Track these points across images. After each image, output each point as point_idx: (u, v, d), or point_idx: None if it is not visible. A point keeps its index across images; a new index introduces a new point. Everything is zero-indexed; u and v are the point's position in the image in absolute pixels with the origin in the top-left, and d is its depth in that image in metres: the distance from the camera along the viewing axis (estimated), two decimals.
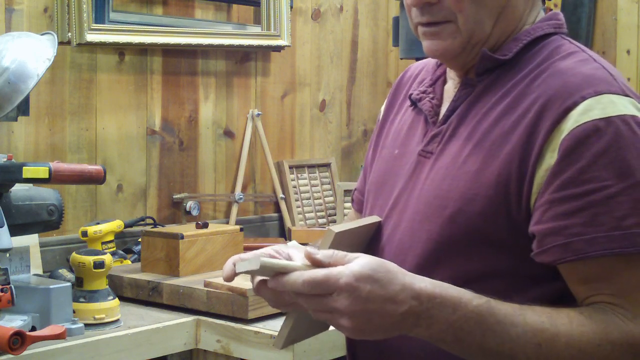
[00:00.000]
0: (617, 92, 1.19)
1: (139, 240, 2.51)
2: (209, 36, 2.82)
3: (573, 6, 3.10)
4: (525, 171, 1.19)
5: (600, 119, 1.15)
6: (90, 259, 1.98)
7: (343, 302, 1.07)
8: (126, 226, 2.57)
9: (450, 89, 1.38)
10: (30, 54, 2.02)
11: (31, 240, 2.10)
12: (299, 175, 3.20)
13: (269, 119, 3.11)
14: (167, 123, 2.80)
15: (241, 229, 2.51)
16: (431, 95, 1.38)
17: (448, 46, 1.30)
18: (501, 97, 1.27)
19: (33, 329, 1.85)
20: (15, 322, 1.79)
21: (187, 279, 2.26)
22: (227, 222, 2.89)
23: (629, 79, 2.98)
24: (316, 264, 1.10)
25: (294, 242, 2.92)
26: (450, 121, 1.32)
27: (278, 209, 3.11)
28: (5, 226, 1.80)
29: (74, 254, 2.02)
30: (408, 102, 1.44)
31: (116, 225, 2.49)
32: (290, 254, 1.22)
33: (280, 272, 1.11)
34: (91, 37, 2.48)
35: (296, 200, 3.15)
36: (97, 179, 1.98)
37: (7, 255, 1.89)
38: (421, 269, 1.18)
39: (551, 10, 1.44)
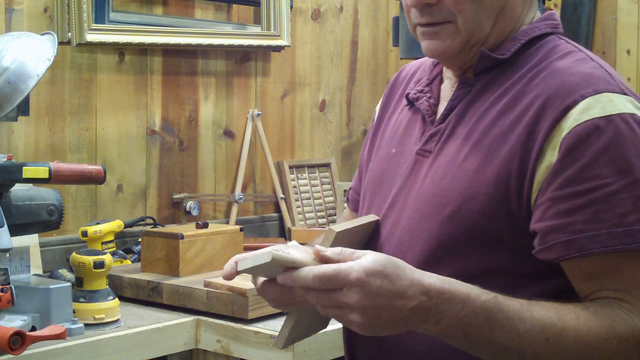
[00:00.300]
0: (615, 90, 1.20)
1: (139, 240, 2.51)
2: (209, 36, 2.82)
3: (573, 6, 3.10)
4: (526, 169, 1.20)
5: (600, 117, 1.17)
6: (90, 259, 1.98)
7: (353, 297, 1.08)
8: (126, 226, 2.57)
9: (447, 88, 1.38)
10: (30, 54, 2.02)
11: (31, 240, 2.10)
12: (299, 175, 3.20)
13: (269, 119, 3.11)
14: (167, 123, 2.80)
15: (241, 229, 2.51)
16: (428, 95, 1.39)
17: (447, 46, 1.30)
18: (499, 96, 1.28)
19: (33, 329, 1.85)
20: (15, 322, 1.79)
21: (187, 279, 2.26)
22: (227, 222, 2.89)
23: (628, 79, 2.98)
24: (325, 260, 1.11)
25: (294, 242, 2.93)
26: (449, 120, 1.32)
27: (278, 209, 3.11)
28: (5, 226, 1.80)
29: (74, 254, 2.02)
30: (404, 102, 1.45)
31: (116, 225, 2.49)
32: (291, 254, 1.23)
33: (290, 268, 1.11)
34: (91, 37, 2.48)
35: (296, 200, 3.15)
36: (97, 179, 1.98)
37: (7, 255, 1.89)
38: (421, 268, 1.18)
39: (551, 10, 1.45)
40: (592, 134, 1.16)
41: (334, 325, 2.07)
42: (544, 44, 1.31)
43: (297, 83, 3.23)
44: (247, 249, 2.57)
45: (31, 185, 1.98)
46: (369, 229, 1.38)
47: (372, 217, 1.39)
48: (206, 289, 2.14)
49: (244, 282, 2.12)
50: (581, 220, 1.15)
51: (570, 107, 1.19)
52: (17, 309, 1.83)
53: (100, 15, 2.57)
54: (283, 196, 3.09)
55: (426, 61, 1.47)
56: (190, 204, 2.80)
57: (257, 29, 3.00)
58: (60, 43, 2.41)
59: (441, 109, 1.36)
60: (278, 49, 3.04)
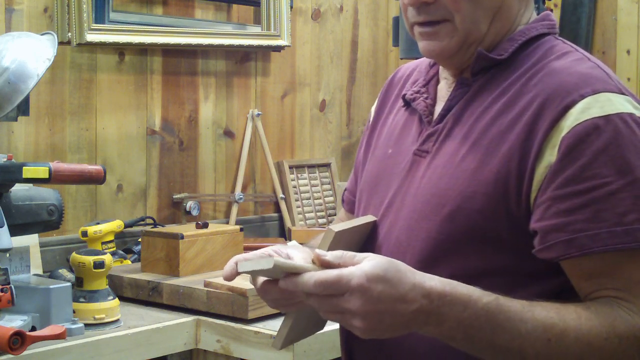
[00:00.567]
0: (613, 90, 1.21)
1: (139, 240, 2.51)
2: (209, 36, 2.82)
3: (573, 6, 3.10)
4: (525, 168, 1.20)
5: (599, 117, 1.17)
6: (90, 259, 1.98)
7: (355, 303, 1.08)
8: (126, 226, 2.57)
9: (444, 88, 1.39)
10: (30, 54, 2.02)
11: (31, 240, 2.10)
12: (299, 175, 3.20)
13: (269, 119, 3.11)
14: (167, 123, 2.80)
15: (241, 229, 2.51)
16: (425, 95, 1.39)
17: (445, 46, 1.31)
18: (497, 96, 1.28)
19: (33, 329, 1.85)
20: (15, 322, 1.79)
21: (187, 279, 2.26)
22: (227, 222, 2.89)
23: (628, 79, 2.98)
24: (326, 265, 1.11)
25: (294, 242, 2.92)
26: (446, 120, 1.32)
27: (278, 209, 3.11)
28: (5, 226, 1.80)
29: (74, 254, 2.02)
30: (400, 103, 1.45)
31: (116, 225, 2.49)
32: (289, 254, 1.23)
33: (291, 273, 1.11)
34: (91, 37, 2.48)
35: (296, 200, 3.15)
36: (97, 179, 1.98)
37: (7, 255, 1.89)
38: (420, 268, 1.17)
39: (551, 10, 1.45)
40: (591, 134, 1.17)
41: (334, 326, 2.07)
42: (541, 44, 1.32)
43: (297, 83, 3.23)
44: (247, 249, 2.57)
45: (31, 185, 1.98)
46: (367, 230, 1.39)
47: (369, 218, 1.39)
48: (206, 289, 2.14)
49: (244, 282, 2.12)
50: (581, 220, 1.15)
51: (570, 106, 1.19)
52: (17, 309, 1.83)
53: (100, 15, 2.57)
54: (283, 196, 3.09)
55: (422, 62, 1.48)
56: (190, 204, 2.80)
57: (257, 29, 3.00)
58: (60, 43, 2.41)
59: (438, 109, 1.37)
60: (278, 49, 3.04)
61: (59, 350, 1.82)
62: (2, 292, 1.74)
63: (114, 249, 2.46)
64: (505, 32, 1.32)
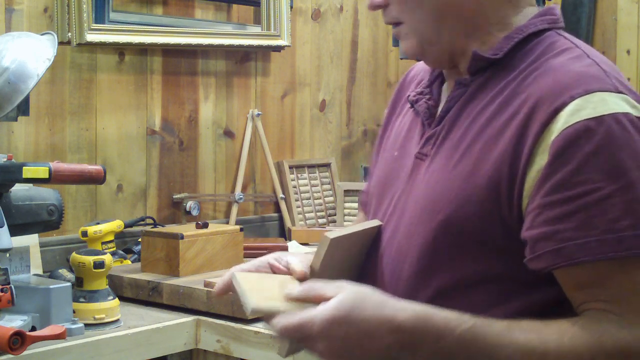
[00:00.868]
0: (608, 89, 1.16)
1: (139, 240, 2.51)
2: (209, 36, 2.82)
3: (573, 6, 3.10)
4: (516, 174, 1.16)
5: (590, 118, 1.12)
6: (90, 259, 1.98)
7: (320, 346, 1.10)
8: (126, 226, 2.57)
9: (448, 89, 1.37)
10: (30, 54, 2.02)
11: (31, 240, 2.10)
12: (299, 175, 3.20)
13: (269, 119, 3.11)
14: (167, 123, 2.80)
15: (241, 229, 2.51)
16: (428, 96, 1.37)
17: (408, 47, 1.31)
18: (494, 97, 1.25)
19: (33, 329, 1.85)
20: (15, 322, 1.79)
21: (187, 279, 2.26)
22: (227, 222, 2.89)
23: (629, 79, 2.97)
24: (296, 301, 1.13)
25: (294, 242, 2.93)
26: (444, 122, 1.30)
27: (278, 209, 3.11)
28: (5, 226, 1.80)
29: (74, 254, 2.02)
30: (408, 104, 1.44)
31: (116, 225, 2.49)
32: (289, 262, 1.23)
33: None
34: (91, 37, 2.48)
35: (296, 200, 3.14)
36: (97, 179, 1.98)
37: (7, 255, 1.89)
38: (418, 274, 1.18)
39: (551, 5, 1.43)
40: (582, 136, 1.11)
41: None
42: (541, 40, 1.27)
43: (297, 83, 3.23)
44: (247, 249, 2.57)
45: (31, 185, 1.98)
46: (370, 235, 1.37)
47: (374, 223, 1.37)
48: (206, 289, 2.14)
49: None
50: (570, 228, 1.10)
51: (560, 108, 1.14)
52: (17, 309, 1.83)
53: (100, 15, 2.57)
54: (283, 196, 3.08)
55: None
56: (190, 204, 2.80)
57: (257, 29, 3.00)
58: (60, 43, 2.41)
59: (440, 110, 1.34)
60: (278, 49, 3.04)
61: (59, 350, 1.82)
62: (2, 292, 1.74)
63: (114, 249, 2.46)
64: (479, 29, 1.28)
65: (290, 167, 3.16)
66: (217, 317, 2.09)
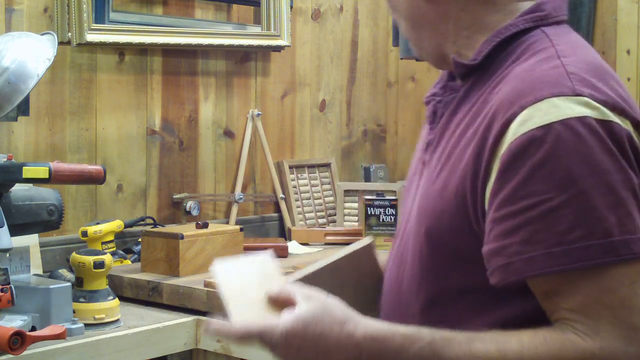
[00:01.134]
0: (564, 93, 1.09)
1: (139, 240, 2.51)
2: (209, 36, 2.82)
3: (573, 6, 3.10)
4: (477, 188, 1.14)
5: (537, 127, 1.07)
6: (90, 259, 1.98)
7: (279, 352, 1.14)
8: (126, 226, 2.57)
9: None
10: (30, 54, 2.02)
11: (31, 240, 2.10)
12: (299, 175, 3.20)
13: (269, 119, 3.11)
14: (167, 123, 2.80)
15: (241, 229, 2.51)
16: (439, 98, 1.32)
17: (417, 53, 1.33)
18: (472, 106, 1.21)
19: (33, 329, 1.85)
20: (15, 322, 1.79)
21: (187, 279, 2.26)
22: (227, 222, 2.89)
23: (628, 79, 2.97)
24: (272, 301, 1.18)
25: (294, 242, 2.93)
26: (437, 129, 1.28)
27: (278, 209, 3.11)
28: (5, 226, 1.80)
29: (74, 254, 2.02)
30: None
31: (116, 225, 2.49)
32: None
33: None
34: (91, 37, 2.48)
35: (296, 200, 3.14)
36: (97, 179, 1.98)
37: (7, 255, 1.89)
38: (412, 283, 1.19)
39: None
40: (528, 148, 1.07)
41: None
42: (523, 41, 1.21)
43: (297, 83, 3.23)
44: (247, 249, 2.57)
45: (31, 185, 1.98)
46: (365, 253, 1.36)
47: (364, 242, 1.37)
48: (206, 289, 2.14)
49: None
50: (517, 242, 1.07)
51: (511, 120, 1.10)
52: (17, 309, 1.83)
53: (100, 15, 2.57)
54: (283, 196, 3.08)
55: None
56: (190, 204, 2.80)
57: (257, 29, 3.00)
58: (60, 43, 2.41)
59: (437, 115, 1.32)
60: (278, 49, 3.04)
61: (59, 350, 1.82)
62: (2, 292, 1.74)
63: (114, 249, 2.46)
64: (440, 38, 1.27)
65: (290, 167, 3.16)
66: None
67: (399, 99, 3.58)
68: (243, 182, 2.96)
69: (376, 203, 2.84)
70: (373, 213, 2.83)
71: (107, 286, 2.03)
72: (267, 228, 3.08)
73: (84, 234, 2.39)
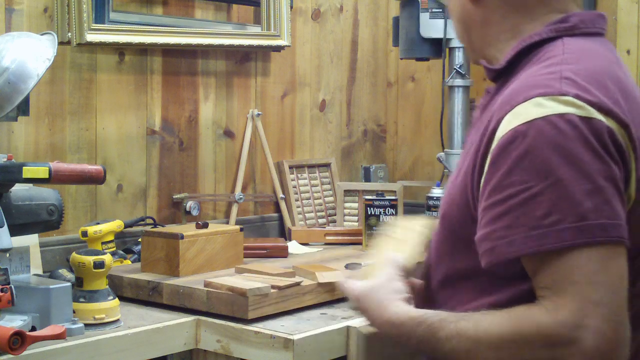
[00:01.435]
0: (550, 93, 1.20)
1: (139, 240, 2.51)
2: (209, 36, 2.82)
3: None
4: (474, 181, 1.28)
5: (523, 123, 1.19)
6: (90, 259, 1.98)
7: (353, 306, 1.43)
8: (126, 226, 2.57)
9: None
10: (30, 54, 2.02)
11: (31, 240, 2.10)
12: (299, 175, 3.20)
13: (269, 119, 3.11)
14: (167, 123, 2.80)
15: (241, 229, 2.51)
16: (481, 101, 1.46)
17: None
18: (492, 106, 1.34)
19: (33, 329, 1.85)
20: (15, 322, 1.79)
21: (187, 279, 2.26)
22: (227, 222, 2.89)
23: None
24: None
25: (294, 242, 2.93)
26: (470, 128, 1.44)
27: (278, 209, 3.11)
28: (5, 226, 1.80)
29: (74, 254, 2.02)
30: None
31: (116, 225, 2.49)
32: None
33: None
34: (91, 37, 2.48)
35: (296, 200, 3.14)
36: (97, 179, 1.98)
37: (7, 255, 1.89)
38: (435, 263, 1.37)
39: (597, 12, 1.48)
40: (513, 141, 1.19)
41: (334, 326, 2.07)
42: (543, 49, 1.32)
43: (297, 83, 3.23)
44: (247, 249, 2.57)
45: (31, 185, 1.98)
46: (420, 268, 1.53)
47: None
48: (206, 289, 2.14)
49: (244, 282, 2.12)
50: (501, 227, 1.18)
51: (502, 118, 1.23)
52: (17, 309, 1.83)
53: (100, 15, 2.57)
54: (283, 196, 3.08)
55: None
56: (190, 204, 2.80)
57: (257, 29, 3.00)
58: (60, 43, 2.41)
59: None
60: (278, 49, 3.04)
61: (59, 350, 1.82)
62: (2, 292, 1.74)
63: (114, 249, 2.46)
64: (485, 41, 1.41)
65: (290, 167, 3.16)
66: (217, 317, 2.09)
67: (399, 99, 3.58)
68: (243, 182, 2.97)
69: (376, 203, 2.84)
70: (373, 213, 2.83)
71: (107, 286, 2.02)
72: (267, 228, 3.08)
73: (84, 234, 2.39)
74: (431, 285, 1.42)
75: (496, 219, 1.19)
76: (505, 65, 1.36)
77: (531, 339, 1.14)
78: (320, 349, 2.00)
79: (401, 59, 3.13)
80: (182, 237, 2.32)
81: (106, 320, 1.98)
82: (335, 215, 3.19)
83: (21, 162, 1.87)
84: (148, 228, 2.56)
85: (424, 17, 2.97)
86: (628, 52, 3.02)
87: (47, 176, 1.87)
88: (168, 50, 2.77)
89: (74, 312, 1.94)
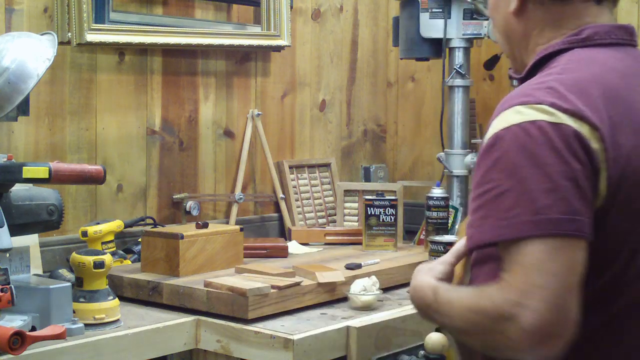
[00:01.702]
0: (529, 102, 1.34)
1: (139, 240, 2.51)
2: (209, 36, 2.82)
3: None
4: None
5: (502, 129, 1.34)
6: (90, 259, 1.98)
7: None
8: (126, 226, 2.57)
9: None
10: (30, 54, 2.02)
11: (31, 240, 2.10)
12: (299, 175, 3.20)
13: (269, 119, 3.11)
14: (167, 123, 2.80)
15: (241, 229, 2.51)
16: None
17: None
18: None
19: (33, 329, 1.85)
20: (15, 322, 1.79)
21: (187, 279, 2.26)
22: (227, 222, 2.89)
23: None
24: None
25: (294, 242, 2.93)
26: None
27: (278, 209, 3.11)
28: (5, 226, 1.80)
29: (74, 254, 2.02)
30: None
31: (116, 225, 2.49)
32: None
33: None
34: (91, 37, 2.48)
35: (296, 200, 3.14)
36: (97, 179, 1.98)
37: (7, 255, 1.89)
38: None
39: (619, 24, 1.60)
40: (494, 144, 1.34)
41: (334, 325, 2.07)
42: (554, 60, 1.45)
43: (297, 83, 3.23)
44: (247, 249, 2.57)
45: (31, 185, 1.98)
46: None
47: None
48: (206, 289, 2.14)
49: (244, 282, 2.12)
50: (478, 218, 1.34)
51: (492, 123, 1.38)
52: (17, 309, 1.83)
53: (100, 15, 2.57)
54: (283, 196, 3.08)
55: None
56: (190, 204, 2.80)
57: (257, 29, 3.00)
58: (60, 43, 2.41)
59: None
60: (278, 49, 3.04)
61: (59, 350, 1.82)
62: (2, 292, 1.74)
63: (114, 249, 2.46)
64: (523, 52, 1.54)
65: (290, 167, 3.16)
66: (217, 317, 2.09)
67: (399, 99, 3.58)
68: (243, 182, 2.97)
69: (376, 203, 2.84)
70: (373, 213, 2.83)
71: (107, 286, 2.03)
72: (267, 228, 3.08)
73: (84, 234, 2.39)
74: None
75: (476, 210, 1.35)
76: (525, 74, 1.49)
77: (484, 311, 1.30)
78: (320, 349, 2.00)
79: (401, 59, 3.13)
80: (182, 237, 2.32)
81: (106, 320, 1.98)
82: (335, 215, 3.19)
83: (21, 162, 1.87)
84: (148, 228, 2.56)
85: (424, 17, 2.97)
86: None
87: (47, 176, 1.88)
88: (168, 50, 2.77)
89: (74, 312, 1.94)
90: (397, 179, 3.47)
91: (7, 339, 1.62)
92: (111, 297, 2.02)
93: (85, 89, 2.58)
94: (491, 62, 3.11)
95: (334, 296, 2.27)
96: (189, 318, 2.11)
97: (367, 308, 2.21)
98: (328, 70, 3.35)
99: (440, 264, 1.51)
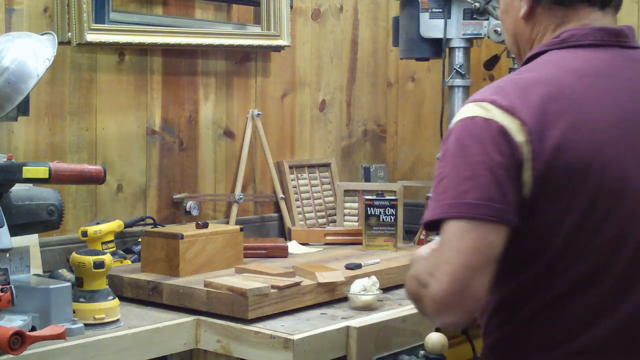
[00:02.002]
0: (478, 99, 1.47)
1: (139, 240, 2.51)
2: (209, 36, 2.82)
3: None
4: None
5: (455, 123, 1.49)
6: (90, 259, 1.98)
7: None
8: (126, 226, 2.57)
9: None
10: (30, 54, 2.02)
11: (31, 240, 2.10)
12: (299, 175, 3.20)
13: (269, 119, 3.11)
14: (167, 123, 2.80)
15: (241, 229, 2.51)
16: None
17: None
18: None
19: (33, 329, 1.85)
20: (15, 322, 1.79)
21: (187, 279, 2.26)
22: (227, 222, 2.89)
23: None
24: None
25: (294, 242, 2.93)
26: None
27: (278, 209, 3.11)
28: (5, 226, 1.80)
29: (74, 254, 2.02)
30: None
31: (116, 225, 2.49)
32: None
33: None
34: (91, 37, 2.48)
35: (296, 200, 3.14)
36: (97, 179, 1.98)
37: (7, 255, 1.89)
38: None
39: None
40: (448, 136, 1.49)
41: (334, 325, 2.07)
42: (533, 62, 1.56)
43: (297, 83, 3.23)
44: (247, 249, 2.57)
45: (31, 185, 1.98)
46: None
47: None
48: (206, 289, 2.14)
49: (243, 282, 2.12)
50: (430, 199, 1.49)
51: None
52: (17, 309, 1.83)
53: (100, 15, 2.57)
54: (283, 196, 3.08)
55: None
56: (190, 204, 2.80)
57: (257, 29, 3.00)
58: (60, 43, 2.41)
59: None
60: (278, 49, 3.04)
61: (59, 350, 1.82)
62: (2, 292, 1.74)
63: (114, 249, 2.46)
64: (524, 51, 1.64)
65: (290, 167, 3.16)
66: (217, 317, 2.09)
67: (399, 99, 3.58)
68: (243, 182, 2.97)
69: (376, 203, 2.84)
70: (373, 213, 2.83)
71: (107, 286, 2.03)
72: (267, 228, 3.08)
73: (84, 234, 2.39)
74: None
75: (431, 192, 1.52)
76: None
77: (417, 278, 1.47)
78: (320, 349, 2.00)
79: (401, 59, 3.13)
80: (182, 237, 2.32)
81: (106, 320, 1.98)
82: (335, 215, 3.19)
83: (21, 162, 1.87)
84: (148, 228, 2.56)
85: (424, 17, 2.97)
86: None
87: (47, 176, 1.88)
88: (168, 50, 2.77)
89: (74, 312, 1.94)
90: (397, 179, 3.47)
91: (7, 339, 1.62)
92: (111, 297, 2.02)
93: (85, 89, 2.58)
94: (491, 62, 3.10)
95: (334, 296, 2.27)
96: (189, 318, 2.11)
97: (367, 308, 2.21)
98: (328, 70, 3.35)
99: (434, 243, 1.60)
